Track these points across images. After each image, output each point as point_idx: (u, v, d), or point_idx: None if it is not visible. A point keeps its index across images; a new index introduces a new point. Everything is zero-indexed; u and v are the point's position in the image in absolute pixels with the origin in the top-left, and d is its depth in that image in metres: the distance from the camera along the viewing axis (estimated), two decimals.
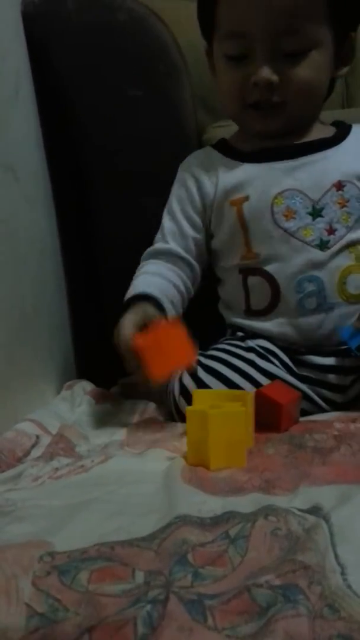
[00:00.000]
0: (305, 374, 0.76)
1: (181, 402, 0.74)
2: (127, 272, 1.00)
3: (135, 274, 0.82)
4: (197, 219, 0.82)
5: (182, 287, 0.81)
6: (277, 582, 0.36)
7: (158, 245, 0.84)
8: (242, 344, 0.77)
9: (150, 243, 0.93)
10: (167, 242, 0.83)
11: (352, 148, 0.79)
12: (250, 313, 0.79)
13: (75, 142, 0.95)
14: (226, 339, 0.81)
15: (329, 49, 0.74)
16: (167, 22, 0.94)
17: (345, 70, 0.80)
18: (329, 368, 0.76)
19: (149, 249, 0.84)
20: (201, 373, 0.73)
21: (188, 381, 0.74)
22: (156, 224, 0.88)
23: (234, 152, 0.82)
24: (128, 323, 0.71)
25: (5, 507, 0.50)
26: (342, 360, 0.76)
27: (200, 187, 0.81)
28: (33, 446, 0.66)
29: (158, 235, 0.85)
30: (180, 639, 0.33)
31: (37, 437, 0.68)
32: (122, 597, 0.36)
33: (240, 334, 0.80)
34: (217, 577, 0.38)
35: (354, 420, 0.67)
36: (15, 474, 0.59)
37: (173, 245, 0.83)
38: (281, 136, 0.79)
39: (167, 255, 0.82)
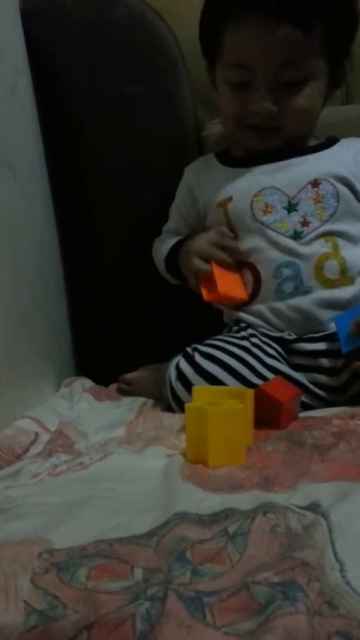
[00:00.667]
0: (297, 362, 0.79)
1: (178, 387, 0.76)
2: (126, 267, 1.01)
3: (158, 246, 0.92)
4: (194, 220, 0.90)
5: None
6: (276, 579, 0.36)
7: (163, 235, 0.93)
8: (237, 335, 0.80)
9: (149, 238, 0.93)
10: (167, 237, 0.92)
11: (333, 155, 0.85)
12: (238, 304, 0.83)
13: (74, 138, 0.95)
14: (225, 334, 0.83)
15: (324, 78, 0.80)
16: (165, 18, 0.94)
17: (337, 91, 0.86)
18: (320, 352, 0.78)
19: (159, 237, 0.93)
20: (198, 358, 0.76)
21: (185, 366, 0.76)
22: (155, 219, 0.88)
23: (228, 158, 0.89)
24: (200, 243, 0.82)
25: (4, 504, 0.50)
26: (332, 344, 0.77)
27: (191, 194, 0.90)
28: (32, 443, 0.66)
29: (167, 227, 0.94)
30: (179, 636, 0.33)
31: (36, 434, 0.68)
32: (121, 594, 0.36)
33: (235, 327, 0.83)
34: (216, 574, 0.38)
35: (352, 417, 0.67)
36: (14, 471, 0.59)
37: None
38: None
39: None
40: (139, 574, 0.38)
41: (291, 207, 0.81)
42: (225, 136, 0.94)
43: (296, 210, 0.80)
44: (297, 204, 0.81)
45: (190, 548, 0.41)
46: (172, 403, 0.77)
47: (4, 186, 0.76)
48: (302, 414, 0.72)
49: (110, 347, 1.04)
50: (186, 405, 0.60)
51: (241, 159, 0.86)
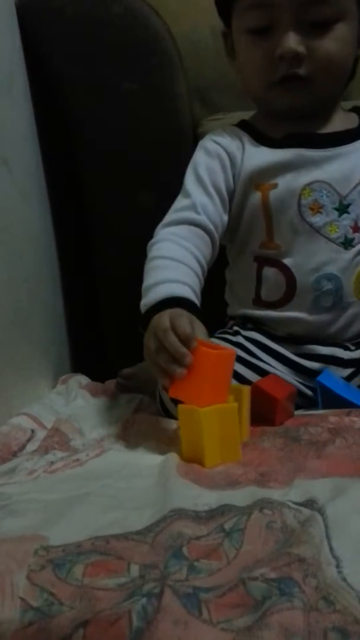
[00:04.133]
0: (305, 365, 0.75)
1: (164, 396, 0.71)
2: (123, 265, 1.00)
3: (158, 248, 0.73)
4: (226, 196, 0.77)
5: (201, 274, 0.73)
6: (272, 575, 0.36)
7: (187, 214, 0.75)
8: (232, 339, 0.76)
9: (145, 234, 0.92)
10: (199, 213, 0.75)
11: None
12: (260, 303, 0.77)
13: (70, 136, 0.95)
14: (219, 332, 0.80)
15: (354, 23, 0.72)
16: (161, 14, 0.93)
17: None
18: (330, 358, 0.75)
19: (175, 217, 0.75)
20: None
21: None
22: (151, 217, 0.88)
23: (261, 135, 0.78)
24: (187, 321, 0.60)
25: (0, 501, 0.50)
26: (345, 353, 0.75)
27: (233, 163, 0.77)
28: (28, 440, 0.66)
29: (184, 203, 0.76)
30: (175, 633, 0.33)
31: (33, 431, 0.67)
32: (117, 590, 0.36)
33: (235, 328, 0.80)
34: (212, 571, 0.38)
35: (348, 414, 0.67)
36: (10, 468, 0.59)
37: (205, 219, 0.74)
38: (307, 120, 0.76)
39: (196, 227, 0.74)
40: (135, 570, 0.38)
41: (342, 208, 0.73)
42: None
43: (347, 213, 0.73)
44: (349, 205, 0.73)
45: (186, 544, 0.41)
46: (160, 411, 0.74)
47: None
48: (298, 411, 0.72)
49: (107, 344, 1.04)
50: (179, 406, 0.58)
51: (281, 139, 0.76)
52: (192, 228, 0.74)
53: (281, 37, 0.70)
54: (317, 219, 0.73)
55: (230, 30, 0.77)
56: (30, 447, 0.64)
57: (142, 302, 0.68)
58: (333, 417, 0.66)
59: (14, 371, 0.76)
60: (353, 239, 0.73)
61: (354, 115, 0.81)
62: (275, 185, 0.74)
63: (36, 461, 0.59)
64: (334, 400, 0.70)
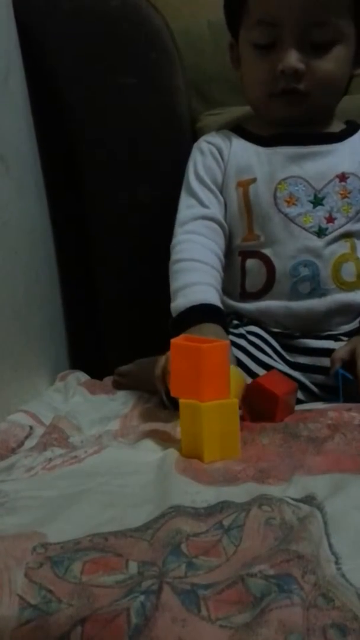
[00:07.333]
0: (298, 361, 0.77)
1: None
2: (121, 260, 1.00)
3: (181, 250, 0.78)
4: (222, 189, 0.83)
5: (220, 267, 0.79)
6: (271, 571, 0.36)
7: (197, 210, 0.81)
8: (235, 331, 0.78)
9: (144, 231, 0.92)
10: (207, 207, 0.81)
11: (359, 145, 0.82)
12: (245, 296, 0.81)
13: (67, 131, 0.94)
14: None
15: (351, 46, 0.78)
16: (160, 9, 0.93)
17: None
18: (324, 351, 0.76)
19: (187, 214, 0.81)
20: None
21: None
22: (150, 211, 0.88)
23: (248, 134, 0.84)
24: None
25: None
26: (337, 344, 0.76)
27: (222, 156, 0.83)
28: (27, 437, 0.65)
29: (191, 201, 0.82)
30: (174, 630, 0.33)
31: (31, 428, 0.67)
32: (116, 587, 0.36)
33: (235, 322, 0.81)
34: (211, 567, 0.38)
35: (348, 410, 0.67)
36: (8, 465, 0.58)
37: (213, 211, 0.81)
38: (298, 126, 0.81)
39: (209, 221, 0.80)
40: (133, 567, 0.38)
41: (317, 201, 0.78)
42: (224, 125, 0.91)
43: (322, 205, 0.78)
44: (323, 197, 0.78)
45: (185, 541, 0.41)
46: (165, 401, 0.74)
47: None
48: (297, 406, 0.72)
49: (106, 341, 1.04)
50: (180, 401, 0.59)
51: (263, 137, 0.83)
52: (206, 222, 0.80)
53: (284, 54, 0.75)
54: (292, 210, 0.78)
55: (237, 41, 0.82)
56: (29, 444, 0.64)
57: (171, 304, 0.75)
58: (332, 412, 0.66)
59: (12, 368, 0.76)
60: (327, 229, 0.78)
61: (342, 125, 0.85)
62: (254, 180, 0.80)
63: (34, 458, 0.58)
64: (355, 391, 0.70)
